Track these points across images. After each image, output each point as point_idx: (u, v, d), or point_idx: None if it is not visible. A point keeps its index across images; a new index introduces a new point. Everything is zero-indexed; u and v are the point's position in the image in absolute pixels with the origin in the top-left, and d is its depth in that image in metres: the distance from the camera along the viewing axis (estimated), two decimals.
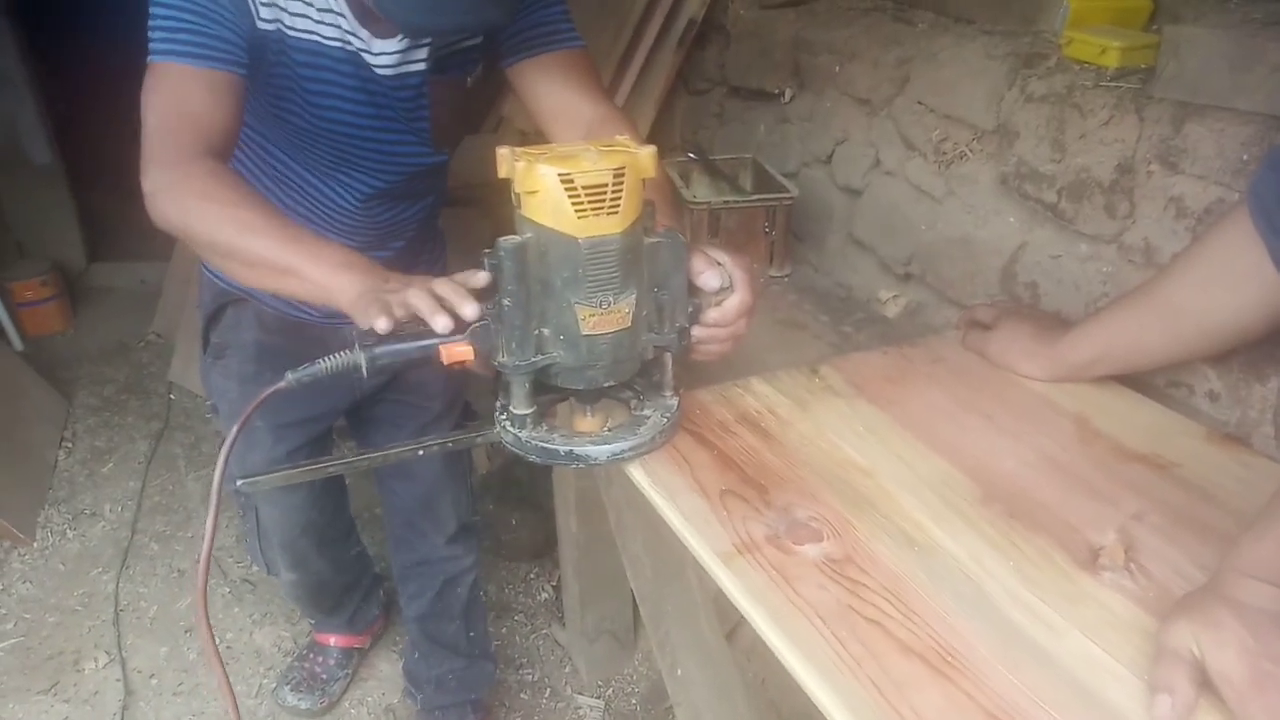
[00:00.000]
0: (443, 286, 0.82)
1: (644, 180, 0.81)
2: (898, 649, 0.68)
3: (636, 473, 0.90)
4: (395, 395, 1.52)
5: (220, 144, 0.98)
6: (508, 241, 0.80)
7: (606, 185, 0.78)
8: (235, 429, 0.80)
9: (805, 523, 0.82)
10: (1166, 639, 0.66)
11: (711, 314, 0.90)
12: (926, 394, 1.04)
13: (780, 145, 1.85)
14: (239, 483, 0.88)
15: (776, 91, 1.84)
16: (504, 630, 2.10)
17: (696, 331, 0.91)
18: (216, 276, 1.38)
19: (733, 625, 1.54)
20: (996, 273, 1.31)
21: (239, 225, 0.91)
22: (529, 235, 0.80)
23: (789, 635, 0.69)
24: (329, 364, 0.80)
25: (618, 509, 1.42)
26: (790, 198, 1.55)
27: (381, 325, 0.79)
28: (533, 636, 2.10)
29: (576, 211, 0.78)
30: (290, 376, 0.81)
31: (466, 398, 1.65)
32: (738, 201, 1.55)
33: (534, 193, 0.78)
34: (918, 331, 1.38)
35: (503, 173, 0.81)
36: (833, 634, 0.69)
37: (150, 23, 0.97)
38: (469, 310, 0.80)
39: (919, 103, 1.45)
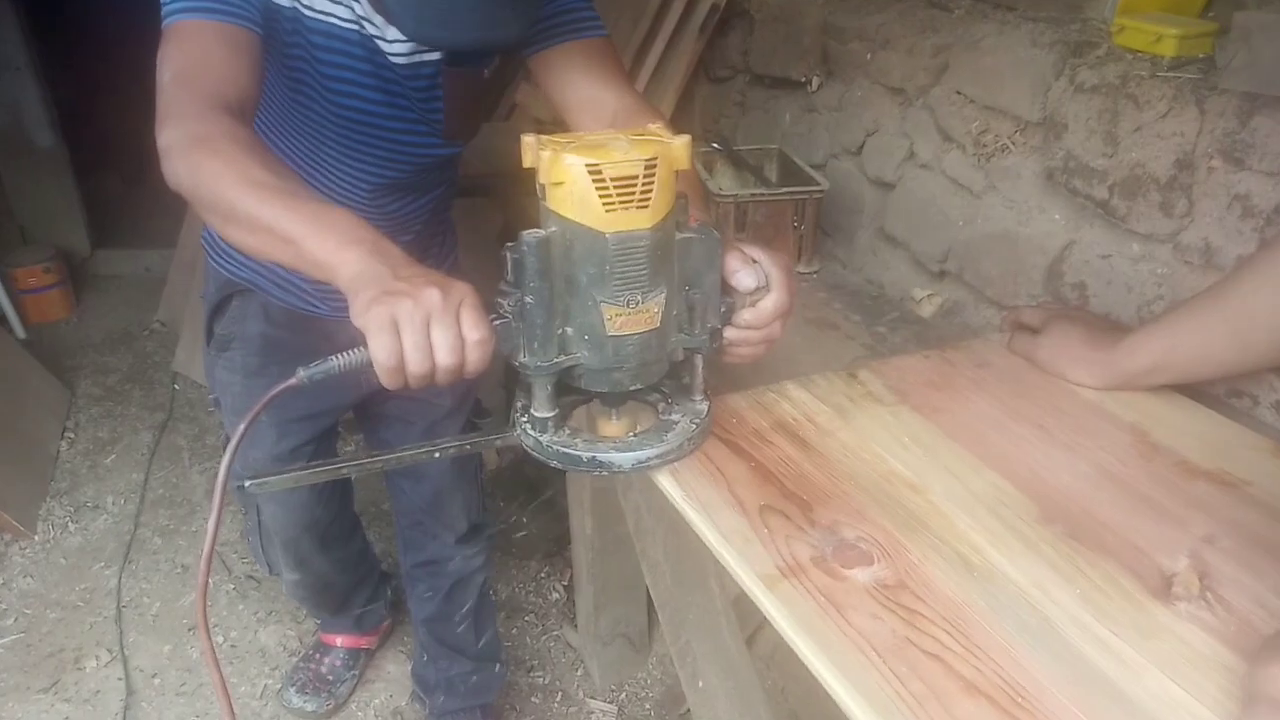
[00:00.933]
0: (463, 346, 0.74)
1: (676, 172, 0.76)
2: (962, 687, 0.62)
3: (669, 486, 0.84)
4: (404, 390, 1.46)
5: (239, 102, 0.89)
6: (531, 235, 0.74)
7: (637, 177, 0.72)
8: (243, 427, 0.75)
9: (854, 543, 0.76)
10: (1261, 684, 0.60)
11: (745, 315, 0.84)
12: (973, 402, 0.98)
13: (806, 136, 1.79)
14: (246, 484, 0.83)
15: (803, 80, 1.77)
16: (514, 631, 2.04)
17: (729, 333, 0.85)
18: (222, 265, 1.33)
19: (752, 630, 1.49)
20: (1041, 272, 1.24)
21: (245, 185, 0.80)
22: (553, 229, 0.75)
23: (844, 672, 0.63)
24: (342, 361, 0.75)
25: (637, 513, 1.36)
26: (820, 190, 1.48)
27: (381, 356, 0.71)
28: (544, 638, 2.05)
29: (604, 205, 0.72)
30: (302, 374, 0.75)
31: (477, 394, 1.60)
32: (766, 194, 1.49)
33: (560, 184, 0.73)
34: (955, 332, 1.32)
35: (527, 162, 0.75)
36: (890, 670, 0.63)
37: None
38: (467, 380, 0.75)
39: (957, 93, 1.39)
